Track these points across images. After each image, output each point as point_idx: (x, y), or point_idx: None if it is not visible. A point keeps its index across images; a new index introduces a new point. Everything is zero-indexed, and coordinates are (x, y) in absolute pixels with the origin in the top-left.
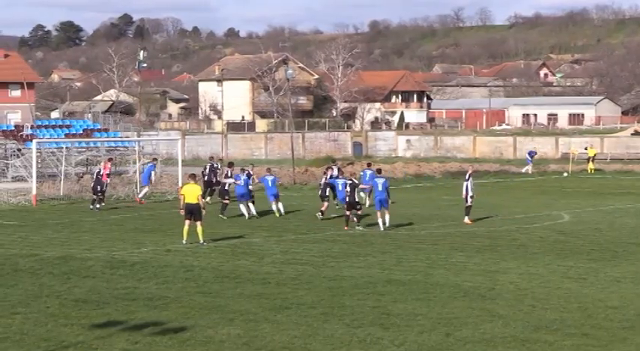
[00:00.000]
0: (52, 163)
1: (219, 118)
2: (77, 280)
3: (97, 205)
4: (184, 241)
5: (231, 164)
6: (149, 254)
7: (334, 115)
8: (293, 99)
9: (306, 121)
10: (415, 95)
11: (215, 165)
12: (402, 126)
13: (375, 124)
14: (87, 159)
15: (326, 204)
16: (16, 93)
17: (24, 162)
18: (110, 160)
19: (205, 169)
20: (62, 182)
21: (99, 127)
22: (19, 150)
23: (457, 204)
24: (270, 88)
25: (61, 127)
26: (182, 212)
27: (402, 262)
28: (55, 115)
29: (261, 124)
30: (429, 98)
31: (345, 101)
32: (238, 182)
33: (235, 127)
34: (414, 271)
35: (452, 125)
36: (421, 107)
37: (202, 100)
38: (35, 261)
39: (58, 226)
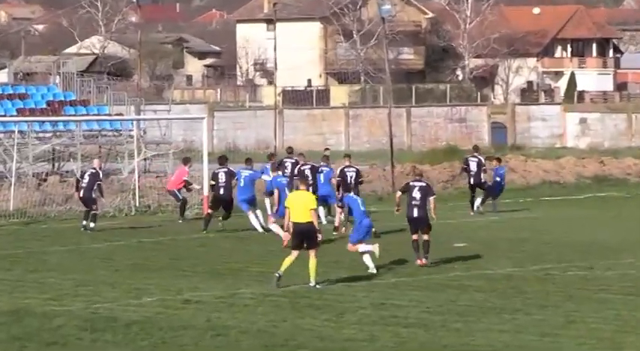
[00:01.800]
0: None
1: (270, 83)
2: (36, 350)
3: (92, 225)
4: (281, 272)
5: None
6: (155, 308)
7: (460, 78)
8: (392, 52)
9: (414, 88)
10: (594, 45)
11: (296, 161)
12: (573, 97)
13: (528, 94)
14: (53, 150)
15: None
16: None
17: None
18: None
19: (285, 166)
20: (13, 189)
21: (73, 99)
22: None
23: None
24: (355, 35)
25: (10, 97)
26: (285, 240)
27: (574, 322)
28: (1, 77)
29: (340, 94)
30: (617, 51)
31: (478, 56)
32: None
33: (297, 98)
34: (593, 337)
35: None
36: (604, 66)
37: (242, 53)
38: None
39: (6, 260)
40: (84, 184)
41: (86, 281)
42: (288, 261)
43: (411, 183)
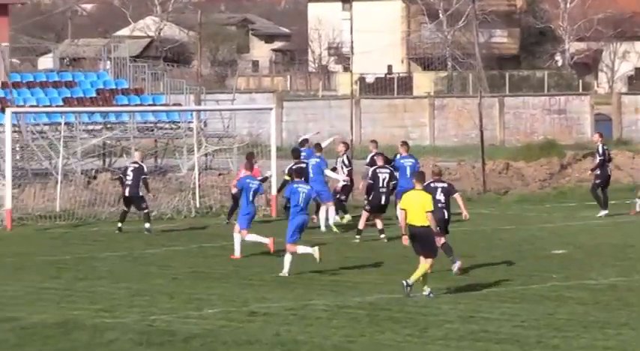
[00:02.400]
0: (40, 151)
1: (346, 69)
2: None
3: (147, 225)
4: (410, 281)
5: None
6: (218, 320)
7: (559, 64)
8: (483, 35)
9: (507, 75)
10: None
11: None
12: None
13: (637, 82)
14: (104, 145)
15: None
16: None
17: None
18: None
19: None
20: (59, 187)
21: (125, 87)
22: None
23: None
24: (441, 15)
25: (56, 85)
26: (405, 241)
27: None
28: (45, 63)
29: (424, 81)
30: None
31: (580, 39)
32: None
33: (375, 86)
34: None
35: None
36: None
37: (315, 36)
38: (10, 331)
39: (53, 267)
40: (129, 182)
41: (141, 291)
42: (419, 273)
43: (432, 185)
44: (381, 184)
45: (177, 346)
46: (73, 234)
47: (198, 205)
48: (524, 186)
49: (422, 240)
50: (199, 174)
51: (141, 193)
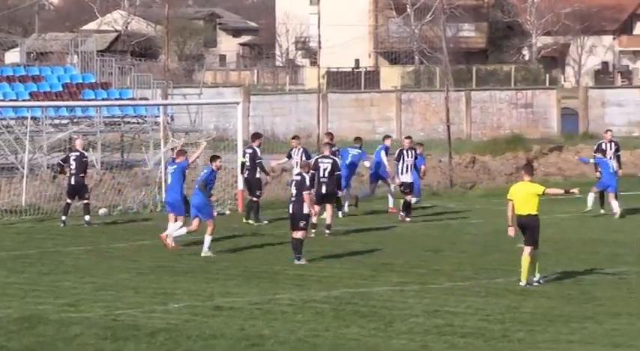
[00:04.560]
0: (6, 146)
1: (313, 63)
2: None
3: (87, 217)
4: (522, 282)
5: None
6: (183, 315)
7: (526, 59)
8: (451, 29)
9: (474, 69)
10: None
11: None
12: None
13: (603, 77)
14: (70, 139)
15: None
16: None
17: None
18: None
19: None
20: (25, 182)
21: (92, 81)
22: None
23: None
24: (408, 9)
25: (23, 80)
26: (511, 232)
27: None
28: (12, 57)
29: (391, 76)
30: None
31: (547, 33)
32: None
33: (343, 80)
34: None
35: None
36: None
37: (282, 31)
38: None
39: (18, 262)
40: (73, 170)
41: (106, 285)
42: (524, 263)
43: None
44: (322, 174)
45: (142, 341)
46: (39, 228)
47: (164, 199)
48: (490, 180)
49: (528, 228)
50: (165, 169)
51: (86, 182)
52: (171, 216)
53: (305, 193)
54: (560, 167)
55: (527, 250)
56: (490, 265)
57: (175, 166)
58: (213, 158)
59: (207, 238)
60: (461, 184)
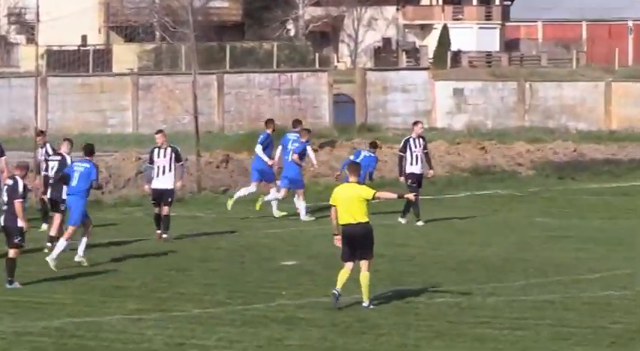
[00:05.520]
0: None
1: (31, 41)
2: None
3: None
4: (337, 290)
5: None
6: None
7: (292, 34)
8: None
9: (228, 47)
10: None
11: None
12: (446, 59)
13: (385, 56)
14: None
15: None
16: None
17: None
18: None
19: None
20: None
21: None
22: None
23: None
24: None
25: None
26: (337, 242)
27: None
28: None
29: (126, 55)
30: None
31: (317, 4)
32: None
33: (66, 61)
34: None
35: (557, 58)
36: (488, 18)
37: None
38: None
39: None
40: None
41: None
42: (343, 274)
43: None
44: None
45: None
46: None
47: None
48: (248, 183)
49: (358, 241)
50: None
51: None
52: None
53: (16, 202)
54: (332, 166)
55: (365, 266)
56: (247, 288)
57: None
58: None
59: None
60: (211, 187)
